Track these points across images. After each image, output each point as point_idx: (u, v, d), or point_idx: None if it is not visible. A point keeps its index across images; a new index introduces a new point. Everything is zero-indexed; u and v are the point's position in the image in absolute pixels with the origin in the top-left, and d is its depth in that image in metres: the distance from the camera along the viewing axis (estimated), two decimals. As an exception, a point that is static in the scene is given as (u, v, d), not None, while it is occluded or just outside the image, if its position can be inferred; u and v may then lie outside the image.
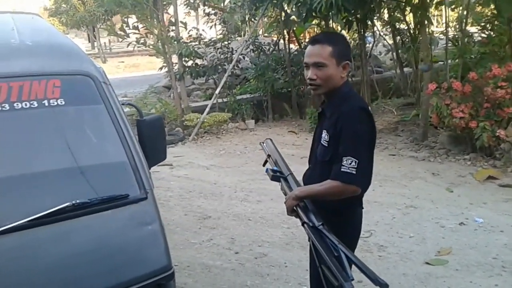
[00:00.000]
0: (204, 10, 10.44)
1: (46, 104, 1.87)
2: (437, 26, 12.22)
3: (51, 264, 1.56)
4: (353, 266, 1.56)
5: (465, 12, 6.61)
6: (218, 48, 9.22)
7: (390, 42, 9.92)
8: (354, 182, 1.75)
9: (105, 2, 10.47)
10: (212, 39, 9.62)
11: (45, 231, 1.60)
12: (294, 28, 9.12)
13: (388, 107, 8.93)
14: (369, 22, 8.36)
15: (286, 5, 7.82)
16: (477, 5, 7.46)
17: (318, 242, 1.63)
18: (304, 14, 6.82)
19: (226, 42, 9.40)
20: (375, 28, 9.98)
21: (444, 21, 8.22)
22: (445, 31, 7.30)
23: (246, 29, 10.82)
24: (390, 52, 10.33)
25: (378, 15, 8.76)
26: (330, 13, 6.72)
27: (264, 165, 2.19)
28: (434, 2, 7.72)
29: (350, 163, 1.73)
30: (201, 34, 9.40)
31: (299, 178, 2.03)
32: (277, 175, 2.00)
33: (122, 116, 2.00)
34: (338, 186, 1.77)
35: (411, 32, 8.36)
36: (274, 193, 4.49)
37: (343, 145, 1.77)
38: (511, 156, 5.27)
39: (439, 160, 5.73)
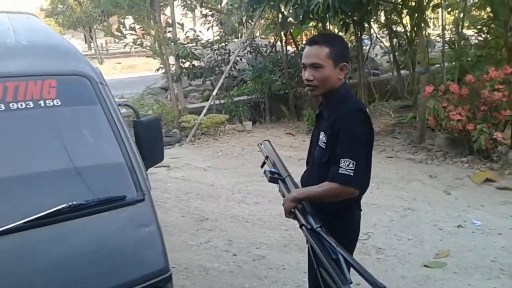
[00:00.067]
0: (201, 12, 10.45)
1: (42, 104, 1.85)
2: (433, 29, 12.25)
3: (47, 266, 1.54)
4: (351, 268, 1.55)
5: (461, 15, 6.63)
6: (215, 50, 9.24)
7: (387, 44, 9.93)
8: (351, 184, 1.75)
9: (101, 3, 10.41)
10: (209, 41, 9.63)
11: (41, 233, 1.58)
12: (291, 30, 9.11)
13: (385, 109, 8.95)
14: (366, 25, 8.36)
15: (283, 7, 7.81)
16: (473, 8, 7.50)
17: (316, 245, 1.62)
18: (301, 16, 6.84)
19: (223, 44, 9.43)
20: (372, 31, 9.99)
21: (440, 23, 8.24)
22: (441, 33, 7.34)
23: (243, 30, 10.81)
24: (387, 55, 10.36)
25: (375, 17, 8.76)
26: (327, 15, 6.71)
27: (262, 166, 2.19)
28: (430, 5, 7.77)
29: (348, 165, 1.73)
30: (198, 36, 9.39)
31: (297, 180, 2.02)
32: (275, 177, 1.99)
33: (118, 117, 1.99)
34: (335, 188, 1.76)
35: (408, 34, 8.37)
36: (272, 195, 4.48)
37: (340, 146, 1.77)
38: (508, 158, 5.29)
39: (437, 163, 5.73)
